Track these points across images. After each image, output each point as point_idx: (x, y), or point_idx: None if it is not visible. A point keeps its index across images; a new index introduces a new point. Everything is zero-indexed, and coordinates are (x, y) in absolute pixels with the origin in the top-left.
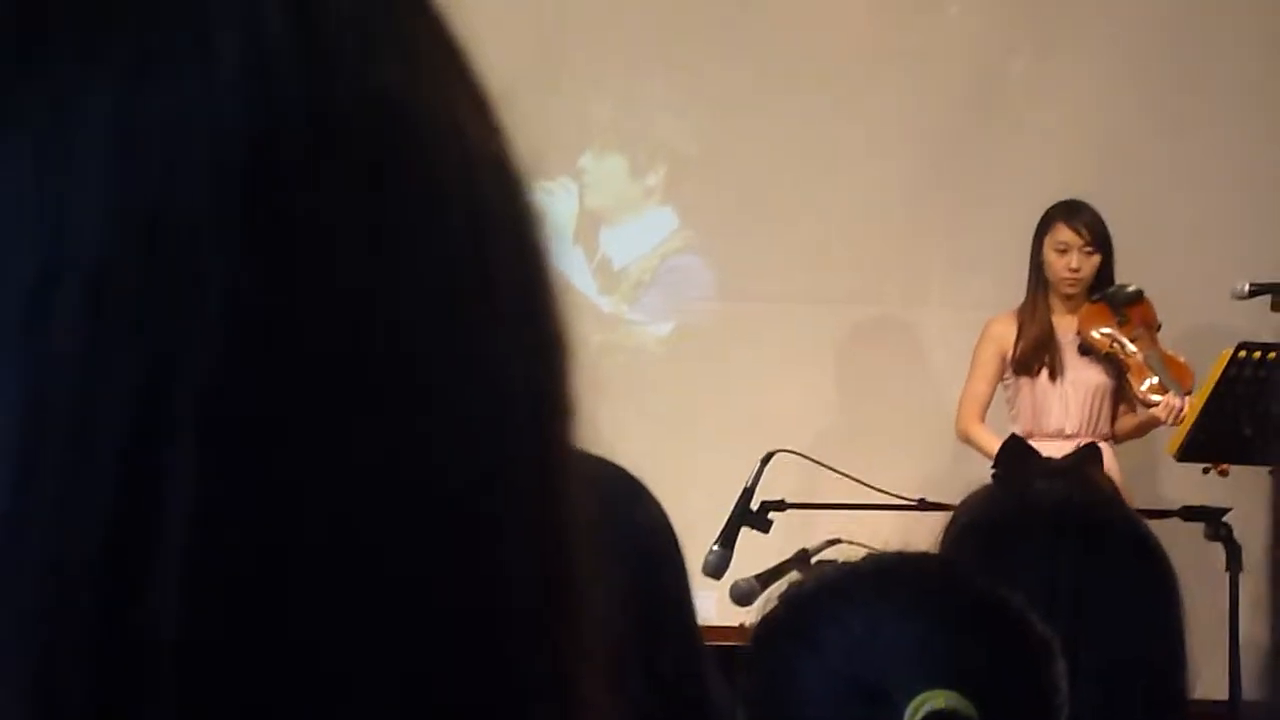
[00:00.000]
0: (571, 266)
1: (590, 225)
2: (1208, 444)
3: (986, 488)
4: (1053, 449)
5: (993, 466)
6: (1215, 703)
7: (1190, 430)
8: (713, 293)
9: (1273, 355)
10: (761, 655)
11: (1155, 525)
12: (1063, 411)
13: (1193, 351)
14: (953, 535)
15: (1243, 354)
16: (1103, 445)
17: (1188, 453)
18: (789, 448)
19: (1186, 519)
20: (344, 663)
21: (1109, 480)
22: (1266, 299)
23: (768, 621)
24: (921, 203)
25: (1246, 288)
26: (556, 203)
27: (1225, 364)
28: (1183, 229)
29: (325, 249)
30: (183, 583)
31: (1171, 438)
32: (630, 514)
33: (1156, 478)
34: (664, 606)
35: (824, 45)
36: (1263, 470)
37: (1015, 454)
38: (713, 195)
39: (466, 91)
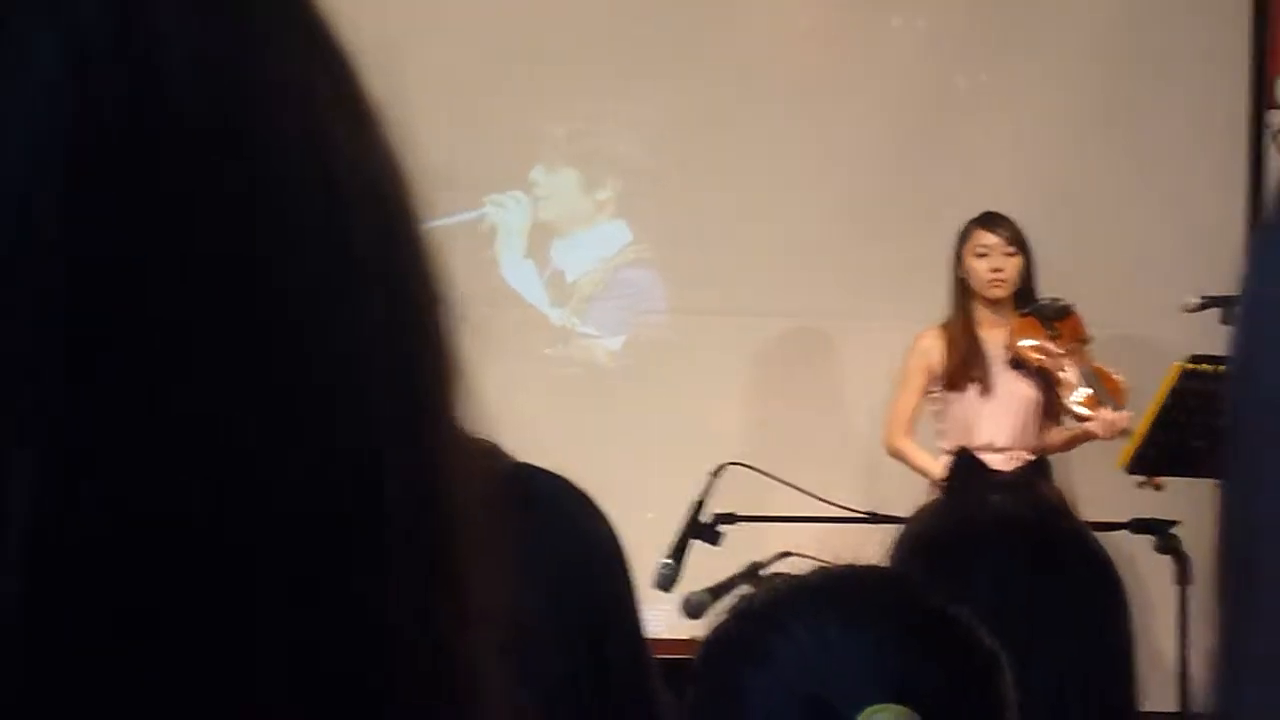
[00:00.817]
0: (524, 279)
1: (542, 238)
2: (1157, 457)
3: (937, 501)
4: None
5: (943, 480)
6: (1165, 715)
7: (1140, 443)
8: (664, 305)
9: (1223, 368)
10: (710, 669)
11: (1105, 538)
12: (994, 425)
13: (1134, 366)
14: (903, 549)
15: (1193, 367)
16: (1030, 458)
17: (1137, 466)
18: (740, 460)
19: (1136, 531)
20: (229, 638)
21: (1057, 493)
22: (1216, 312)
23: (716, 635)
24: (870, 216)
25: (1197, 300)
26: (509, 215)
27: (1176, 377)
28: (1125, 243)
29: (159, 235)
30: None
31: (1121, 451)
32: (577, 525)
33: (1105, 491)
34: (611, 617)
35: (774, 60)
36: (1211, 483)
37: (965, 468)
38: (664, 209)
39: (318, 62)
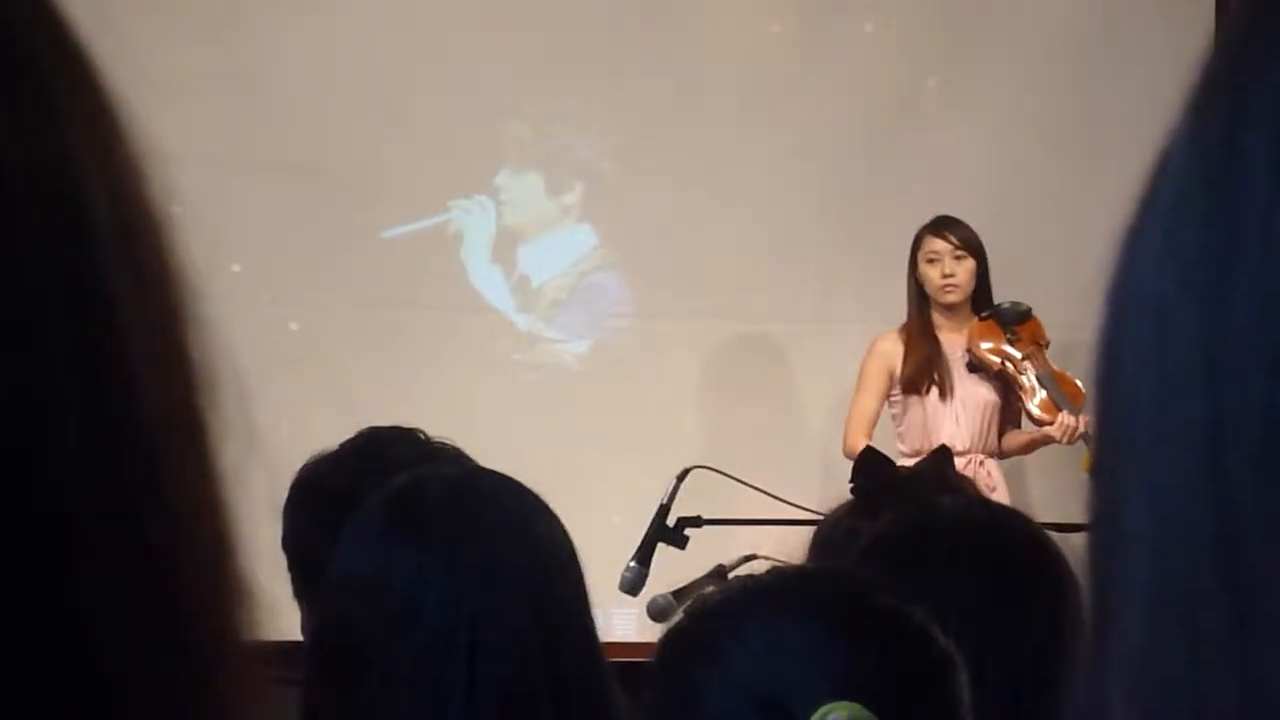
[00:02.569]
0: (490, 284)
1: (508, 243)
2: None
3: (849, 503)
4: None
5: (850, 480)
6: None
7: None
8: (631, 310)
9: None
10: (665, 670)
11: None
12: (954, 429)
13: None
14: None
15: None
16: (989, 461)
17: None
18: (706, 464)
19: None
20: None
21: (969, 481)
22: None
23: (672, 636)
24: (838, 219)
25: None
26: (474, 220)
27: None
28: (1089, 246)
29: None
30: None
31: (1085, 455)
32: (530, 529)
33: (1066, 492)
34: (564, 620)
35: (739, 64)
36: None
37: (871, 465)
38: (630, 213)
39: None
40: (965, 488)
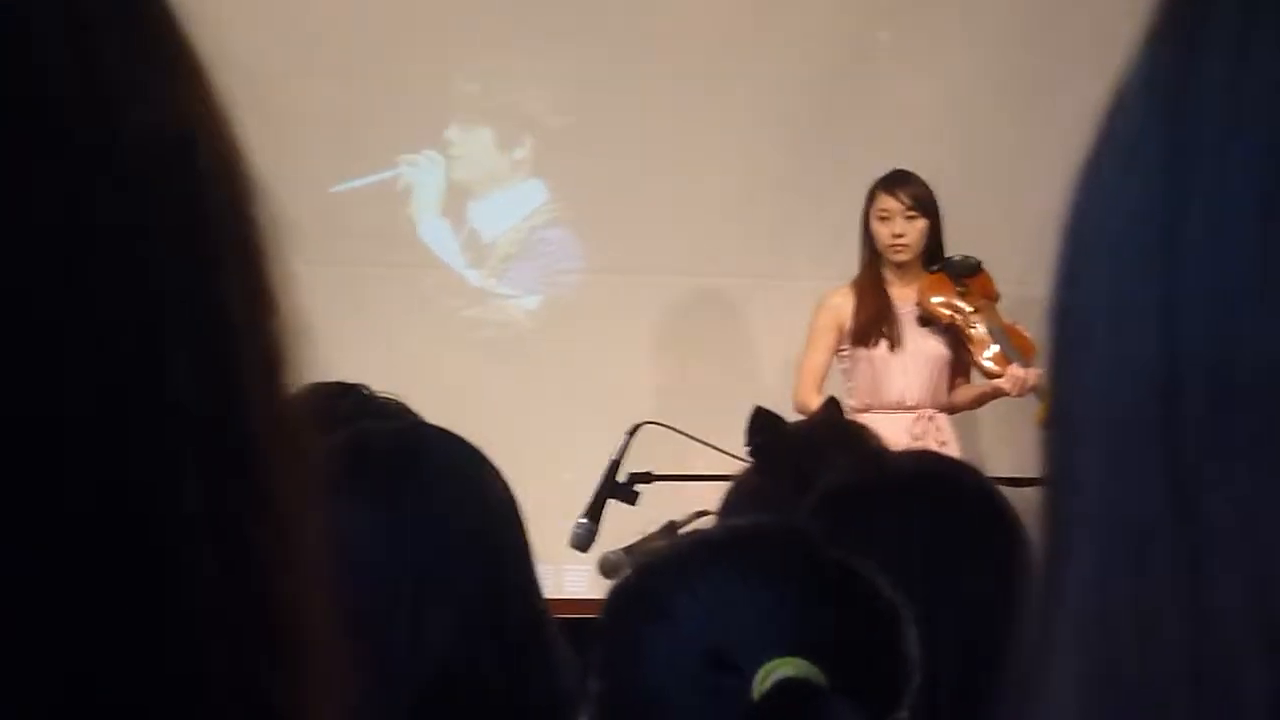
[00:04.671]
0: (440, 239)
1: (458, 198)
2: None
3: (753, 466)
4: (893, 421)
5: (745, 442)
6: None
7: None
8: (582, 265)
9: None
10: (613, 625)
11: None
12: (904, 382)
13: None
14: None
15: None
16: (940, 415)
17: None
18: (657, 420)
19: None
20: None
21: (865, 429)
22: None
23: (619, 591)
24: (789, 174)
25: None
26: (424, 175)
27: None
28: (1042, 202)
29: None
30: None
31: (1040, 407)
32: (472, 484)
33: (1022, 446)
34: (506, 575)
35: (691, 15)
36: None
37: (764, 424)
38: (581, 167)
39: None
40: (864, 436)
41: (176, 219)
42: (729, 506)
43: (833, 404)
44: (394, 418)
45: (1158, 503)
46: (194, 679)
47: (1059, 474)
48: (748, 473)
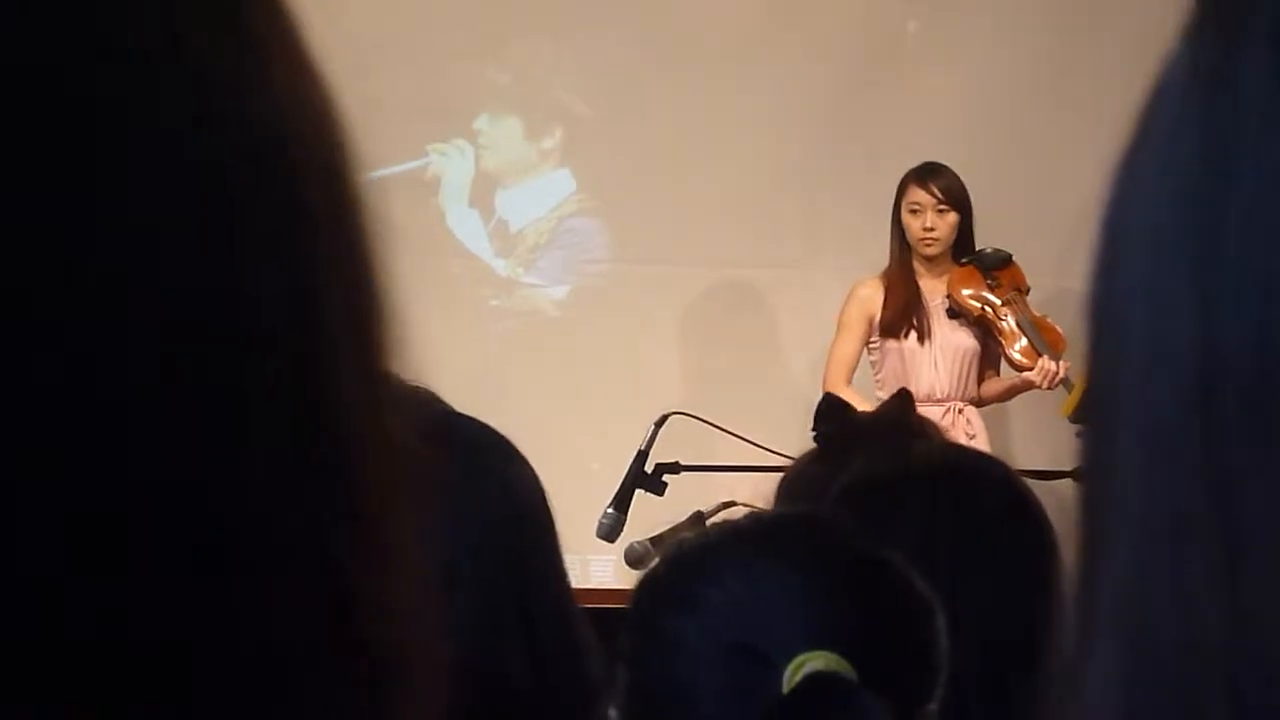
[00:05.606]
0: (468, 229)
1: (486, 188)
2: None
3: (813, 450)
4: (922, 413)
5: (813, 429)
6: None
7: (1085, 392)
8: (609, 255)
9: None
10: (641, 615)
11: (1048, 486)
12: (933, 375)
13: (1078, 317)
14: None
15: None
16: (969, 408)
17: (1082, 414)
18: (685, 410)
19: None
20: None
21: (930, 424)
22: None
23: (648, 582)
24: (817, 165)
25: None
26: (453, 164)
27: None
28: (1072, 194)
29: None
30: None
31: (1066, 400)
32: (500, 474)
33: (1047, 440)
34: (534, 566)
35: (719, 9)
36: None
37: (833, 411)
38: (609, 158)
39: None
40: (928, 431)
41: (269, 215)
42: (785, 492)
43: (905, 396)
44: (422, 406)
45: (1196, 497)
46: (276, 674)
47: (1096, 467)
48: (808, 458)
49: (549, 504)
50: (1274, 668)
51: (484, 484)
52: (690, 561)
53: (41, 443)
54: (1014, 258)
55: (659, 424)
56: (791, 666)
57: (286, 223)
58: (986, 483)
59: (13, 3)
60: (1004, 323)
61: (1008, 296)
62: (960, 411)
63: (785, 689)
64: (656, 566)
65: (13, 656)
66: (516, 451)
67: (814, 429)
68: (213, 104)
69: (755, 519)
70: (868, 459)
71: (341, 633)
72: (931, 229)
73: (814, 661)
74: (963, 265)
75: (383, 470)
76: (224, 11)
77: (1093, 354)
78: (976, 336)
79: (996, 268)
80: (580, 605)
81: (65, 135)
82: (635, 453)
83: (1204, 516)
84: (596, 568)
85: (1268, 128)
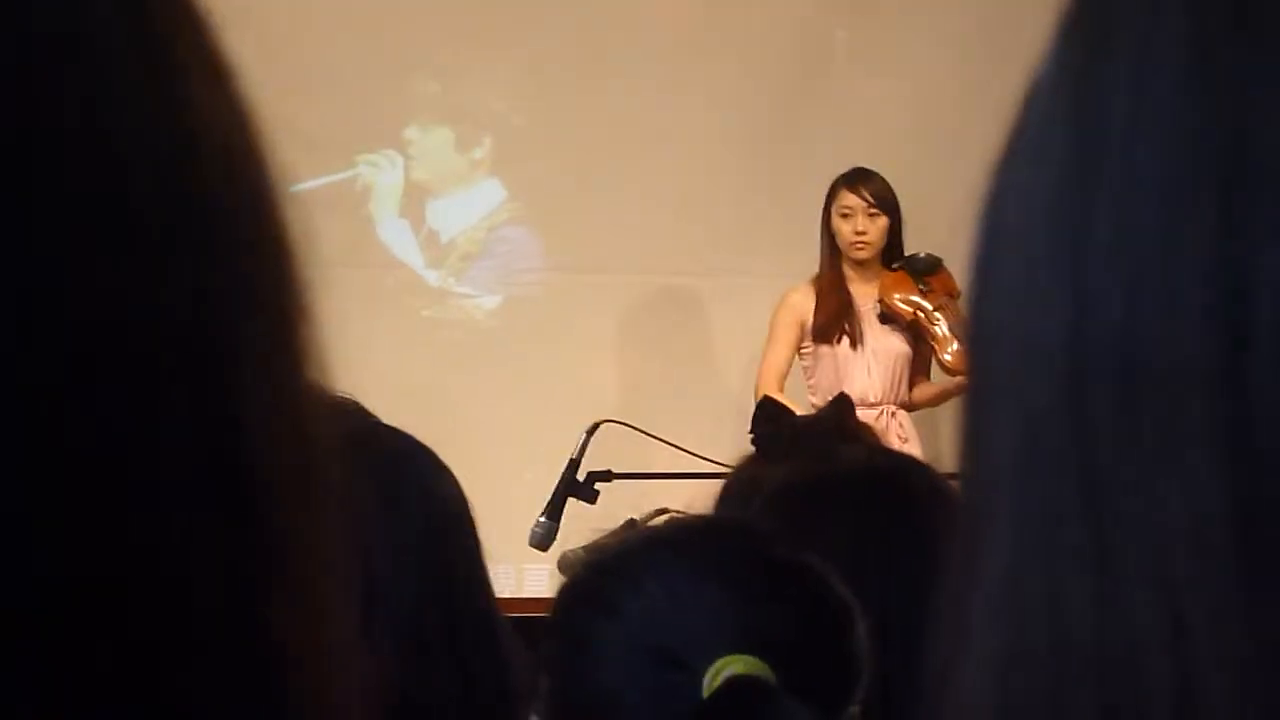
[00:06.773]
0: (399, 240)
1: (417, 198)
2: None
3: (753, 455)
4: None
5: (750, 431)
6: None
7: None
8: (541, 264)
9: None
10: (563, 622)
11: None
12: (866, 380)
13: None
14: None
15: None
16: (901, 412)
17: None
18: (618, 418)
19: None
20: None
21: (867, 429)
22: None
23: (570, 587)
24: (748, 172)
25: None
26: (383, 175)
27: None
28: None
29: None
30: None
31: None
32: (423, 484)
33: None
34: (458, 576)
35: (648, 16)
36: None
37: (771, 415)
38: (540, 167)
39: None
40: (865, 436)
41: (172, 225)
42: (726, 495)
43: (844, 400)
44: (348, 418)
45: (1068, 492)
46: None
47: (974, 466)
48: (747, 462)
49: (472, 515)
50: (1141, 663)
51: (406, 496)
52: (610, 567)
53: None
54: (945, 263)
55: (590, 432)
56: (711, 671)
57: (190, 234)
58: (912, 486)
59: None
60: (936, 327)
61: (940, 301)
62: (893, 415)
63: (706, 693)
64: (578, 572)
65: None
66: (439, 462)
67: (751, 431)
68: (116, 108)
69: (676, 525)
70: (795, 463)
71: (259, 669)
72: (863, 233)
73: (734, 666)
74: (894, 270)
75: (298, 482)
76: (129, 13)
77: (971, 353)
78: (908, 341)
79: (928, 272)
80: (515, 614)
81: None
82: (567, 461)
83: (1075, 512)
84: (532, 577)
85: (1131, 136)
